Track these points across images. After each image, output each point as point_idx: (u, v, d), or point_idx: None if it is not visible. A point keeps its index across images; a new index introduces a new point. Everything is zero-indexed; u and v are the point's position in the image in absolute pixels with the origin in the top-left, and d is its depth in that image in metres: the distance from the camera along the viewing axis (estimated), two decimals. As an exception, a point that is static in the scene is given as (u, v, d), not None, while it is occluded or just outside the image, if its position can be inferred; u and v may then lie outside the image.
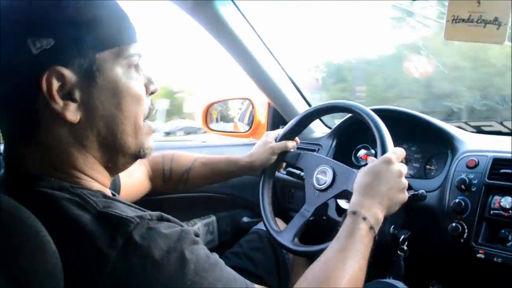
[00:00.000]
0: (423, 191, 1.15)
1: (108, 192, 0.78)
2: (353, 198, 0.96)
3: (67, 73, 0.64)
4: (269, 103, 1.82)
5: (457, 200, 1.13)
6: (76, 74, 0.66)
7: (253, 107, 1.83)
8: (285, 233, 1.15)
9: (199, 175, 1.32)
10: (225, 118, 2.13)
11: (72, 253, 0.59)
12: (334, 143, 1.60)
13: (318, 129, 1.83)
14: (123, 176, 1.14)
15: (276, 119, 1.80)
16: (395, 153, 1.02)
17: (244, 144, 1.90)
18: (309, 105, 1.77)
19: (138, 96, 0.73)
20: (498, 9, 0.85)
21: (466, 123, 1.53)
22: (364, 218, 0.89)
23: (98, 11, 0.68)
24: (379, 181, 0.96)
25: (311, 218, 1.53)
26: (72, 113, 0.66)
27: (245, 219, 1.70)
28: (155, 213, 0.68)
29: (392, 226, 1.24)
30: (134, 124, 0.74)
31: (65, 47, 0.64)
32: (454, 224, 1.11)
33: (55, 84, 0.64)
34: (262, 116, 1.85)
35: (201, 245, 0.69)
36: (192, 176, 1.32)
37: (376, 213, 0.92)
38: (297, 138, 1.37)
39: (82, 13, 0.66)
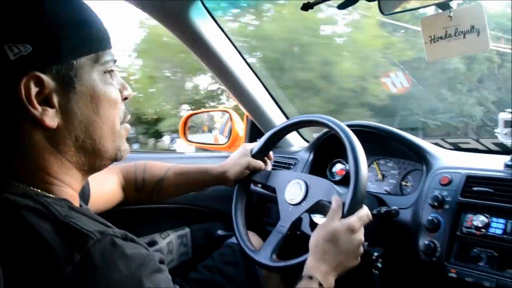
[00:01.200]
0: (396, 207, 1.14)
1: (77, 200, 0.76)
2: (310, 260, 0.97)
3: (45, 78, 0.64)
4: (247, 116, 1.81)
5: (430, 217, 1.12)
6: (54, 79, 0.66)
7: (231, 119, 1.82)
8: (262, 251, 1.12)
9: (172, 185, 1.29)
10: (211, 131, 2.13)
11: (25, 264, 0.57)
12: (311, 157, 1.59)
13: (296, 142, 1.82)
14: (94, 184, 1.11)
15: (254, 132, 1.80)
16: (361, 219, 1.00)
17: (222, 156, 1.88)
18: (287, 117, 1.77)
19: (115, 101, 0.75)
20: (472, 17, 0.84)
21: (443, 139, 1.54)
22: (320, 284, 0.92)
23: (75, 17, 0.69)
24: (339, 249, 0.97)
25: (287, 233, 1.53)
26: (50, 119, 0.66)
27: (219, 232, 1.67)
28: (120, 231, 0.65)
29: (366, 243, 1.23)
30: (112, 128, 0.75)
31: (43, 53, 0.64)
32: (426, 242, 1.10)
33: (33, 90, 0.64)
34: (240, 128, 1.83)
35: (164, 274, 0.67)
36: (165, 186, 1.29)
37: (331, 279, 0.95)
38: (271, 154, 1.35)
39: (59, 19, 0.66)
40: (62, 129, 0.68)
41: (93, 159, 0.75)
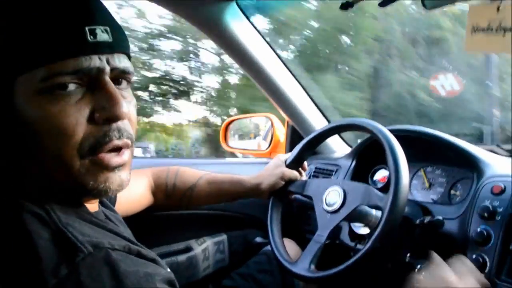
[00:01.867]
0: (440, 218, 1.05)
1: (93, 204, 0.73)
2: None
3: None
4: (287, 121, 1.76)
5: (478, 230, 1.02)
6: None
7: (272, 125, 1.79)
8: (300, 262, 1.07)
9: (203, 193, 1.27)
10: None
11: (16, 271, 0.53)
12: (353, 164, 1.52)
13: (340, 148, 1.75)
14: None
15: (295, 137, 1.74)
16: None
17: (262, 162, 1.84)
18: (329, 121, 1.70)
19: (61, 127, 0.59)
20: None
21: (498, 146, 1.42)
22: None
23: (14, 26, 0.58)
24: None
25: (326, 242, 1.46)
26: None
27: (258, 239, 1.63)
28: (124, 244, 0.60)
29: (408, 255, 1.15)
30: (59, 161, 0.61)
31: None
32: (474, 256, 1.00)
33: None
34: (282, 134, 1.80)
35: None
36: (196, 194, 1.27)
37: None
38: (305, 164, 1.31)
39: None
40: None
41: (61, 192, 0.64)
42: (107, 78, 0.62)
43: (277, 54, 1.46)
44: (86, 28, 0.60)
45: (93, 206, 0.73)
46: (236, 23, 1.30)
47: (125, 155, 0.67)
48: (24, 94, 0.58)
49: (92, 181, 0.63)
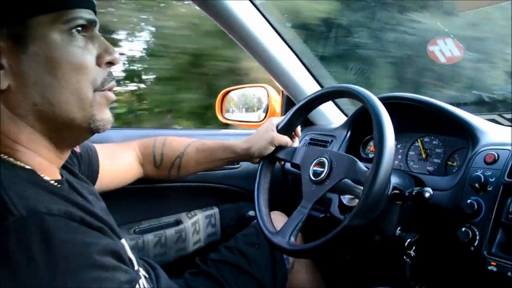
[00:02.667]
0: (429, 189, 0.99)
1: (51, 171, 0.71)
2: None
3: None
4: (282, 91, 1.70)
5: (469, 201, 0.96)
6: (5, 39, 0.63)
7: (268, 95, 1.73)
8: (280, 233, 1.03)
9: (193, 161, 1.24)
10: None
11: None
12: (348, 134, 1.46)
13: (338, 119, 1.69)
14: (105, 159, 1.09)
15: (290, 107, 1.68)
16: None
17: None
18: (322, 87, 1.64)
19: (79, 64, 0.68)
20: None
21: (500, 115, 1.34)
22: None
23: None
24: None
25: (321, 216, 1.42)
26: None
27: (250, 213, 1.60)
28: (66, 210, 0.58)
29: (399, 228, 1.10)
30: (77, 94, 0.68)
31: None
32: (464, 229, 0.95)
33: None
34: (278, 104, 1.74)
35: (109, 273, 0.56)
36: (185, 162, 1.23)
37: None
38: (298, 130, 1.26)
39: None
40: (17, 92, 0.64)
41: (59, 127, 0.69)
42: (97, 31, 0.73)
43: (267, 19, 1.39)
44: None
45: (50, 172, 0.70)
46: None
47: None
48: (53, 33, 0.65)
49: (98, 114, 0.71)
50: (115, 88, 0.75)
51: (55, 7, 0.65)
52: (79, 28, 0.68)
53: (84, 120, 0.70)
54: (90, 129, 0.72)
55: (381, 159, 0.87)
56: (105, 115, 0.73)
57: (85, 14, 0.69)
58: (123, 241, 0.76)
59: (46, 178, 0.67)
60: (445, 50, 1.38)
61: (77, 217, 0.59)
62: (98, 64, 0.71)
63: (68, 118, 0.68)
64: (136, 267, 0.77)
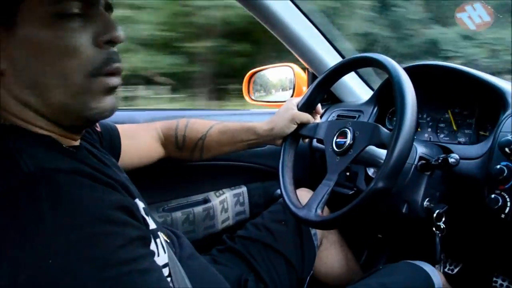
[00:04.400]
0: (455, 155, 0.96)
1: (68, 142, 0.70)
2: None
3: None
4: (307, 69, 1.68)
5: (498, 167, 0.92)
6: None
7: (294, 74, 1.71)
8: (306, 207, 1.02)
9: (215, 143, 1.23)
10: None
11: None
12: (376, 108, 1.43)
13: (364, 93, 1.66)
14: (125, 137, 1.11)
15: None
16: None
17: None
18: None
19: (68, 47, 0.62)
20: None
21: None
22: None
23: None
24: None
25: (350, 193, 1.40)
26: None
27: (278, 191, 1.59)
28: (71, 167, 0.58)
29: (427, 199, 1.07)
30: (64, 79, 0.63)
31: None
32: (493, 196, 0.91)
33: None
34: (304, 82, 1.72)
35: (119, 228, 0.55)
36: (208, 143, 1.23)
37: None
38: (319, 107, 1.24)
39: None
40: (10, 75, 0.62)
41: (56, 113, 0.66)
42: (102, 8, 0.67)
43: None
44: None
45: (70, 142, 0.71)
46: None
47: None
48: (40, 15, 0.61)
49: (92, 102, 0.66)
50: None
51: None
52: (75, 10, 0.63)
53: (78, 107, 0.65)
54: (85, 117, 0.67)
55: (403, 117, 0.84)
56: (101, 104, 0.67)
57: None
58: (138, 201, 0.75)
59: (63, 144, 0.68)
60: (474, 16, 1.32)
61: (86, 173, 0.59)
62: (98, 44, 0.65)
63: (60, 103, 0.64)
64: (152, 227, 0.75)
